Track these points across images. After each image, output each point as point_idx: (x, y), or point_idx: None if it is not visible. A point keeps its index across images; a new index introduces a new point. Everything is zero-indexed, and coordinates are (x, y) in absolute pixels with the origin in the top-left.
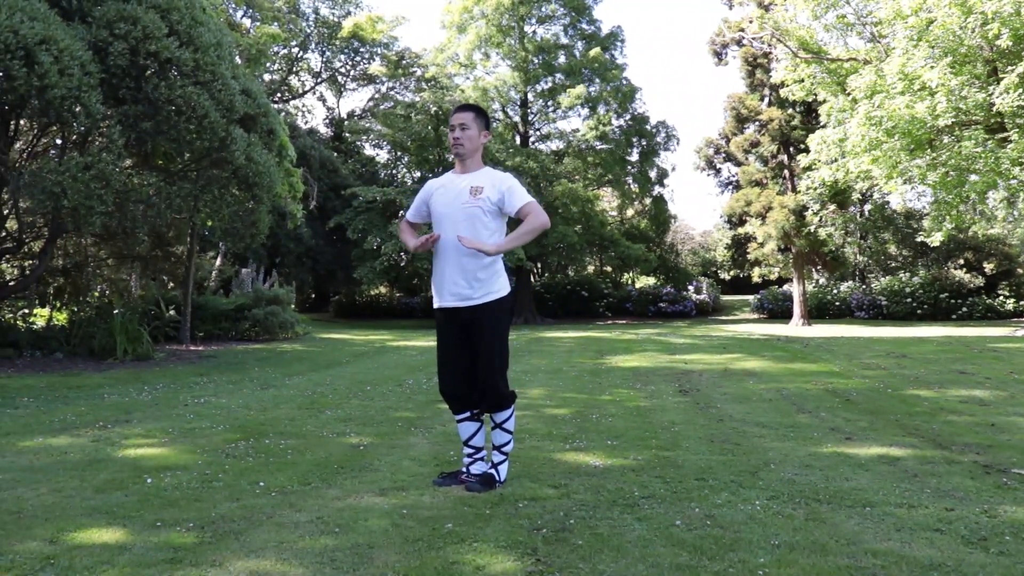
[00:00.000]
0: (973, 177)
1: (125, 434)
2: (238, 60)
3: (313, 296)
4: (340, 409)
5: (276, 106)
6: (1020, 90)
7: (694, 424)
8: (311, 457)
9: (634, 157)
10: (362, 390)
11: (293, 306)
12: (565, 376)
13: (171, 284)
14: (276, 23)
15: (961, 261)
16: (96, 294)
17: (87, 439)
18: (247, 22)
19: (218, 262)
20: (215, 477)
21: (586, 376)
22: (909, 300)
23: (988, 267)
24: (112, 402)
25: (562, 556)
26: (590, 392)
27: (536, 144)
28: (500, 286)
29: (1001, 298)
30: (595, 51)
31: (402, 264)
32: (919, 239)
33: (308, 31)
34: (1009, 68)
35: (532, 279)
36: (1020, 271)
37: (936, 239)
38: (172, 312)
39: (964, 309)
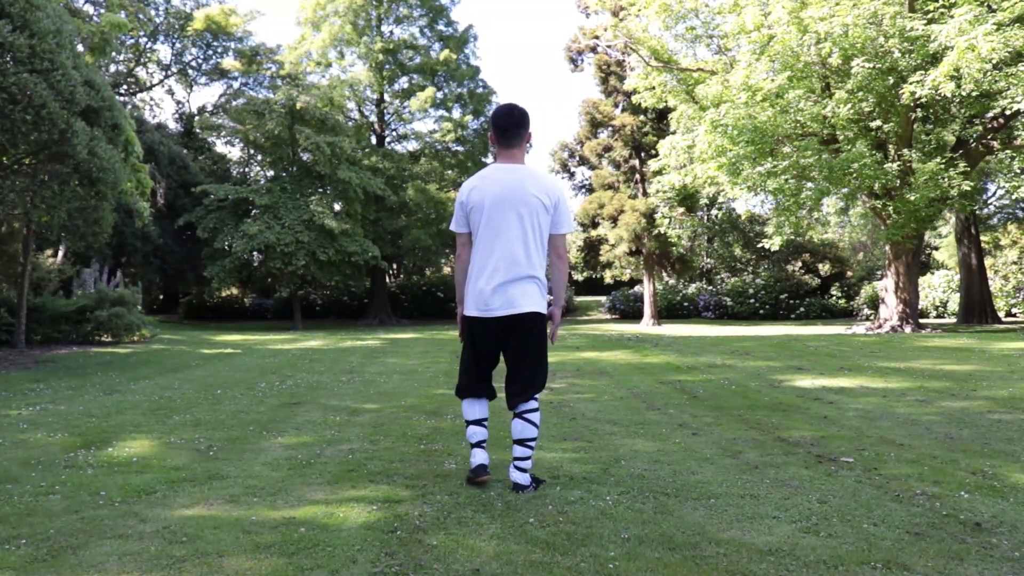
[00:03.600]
0: (809, 185)
1: None
2: (80, 49)
3: (161, 297)
4: (188, 414)
5: (122, 99)
6: (849, 105)
7: (547, 423)
8: (157, 465)
9: (489, 159)
10: (212, 394)
11: (140, 307)
12: (420, 376)
13: (4, 284)
14: (123, 11)
15: (799, 264)
16: None
17: None
18: (90, 8)
19: (58, 261)
20: (51, 489)
21: (441, 377)
22: (752, 301)
23: (823, 269)
24: None
25: (417, 556)
26: (446, 389)
27: (392, 144)
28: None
29: (834, 298)
30: (445, 53)
31: (254, 264)
32: (760, 244)
33: (158, 21)
34: (840, 84)
35: (388, 280)
36: (850, 273)
37: (776, 244)
38: (5, 314)
39: (802, 309)
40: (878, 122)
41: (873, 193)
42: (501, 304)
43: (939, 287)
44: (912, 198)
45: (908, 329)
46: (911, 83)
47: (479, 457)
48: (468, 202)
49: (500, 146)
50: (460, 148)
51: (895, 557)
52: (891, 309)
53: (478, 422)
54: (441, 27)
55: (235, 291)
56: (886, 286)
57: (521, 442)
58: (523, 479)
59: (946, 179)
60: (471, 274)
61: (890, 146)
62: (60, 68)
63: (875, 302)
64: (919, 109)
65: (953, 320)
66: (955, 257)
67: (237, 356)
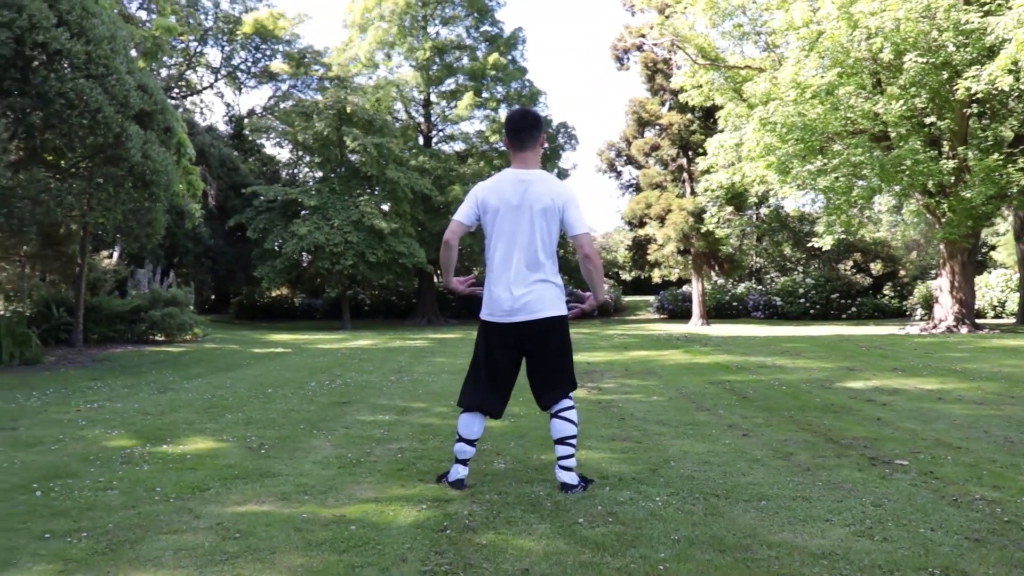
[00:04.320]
0: (860, 183)
1: (11, 442)
2: (133, 53)
3: (213, 297)
4: (240, 412)
5: (173, 102)
6: (901, 101)
7: (596, 423)
8: (210, 462)
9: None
10: (263, 393)
11: (192, 307)
12: None
13: (62, 284)
14: (174, 16)
15: (851, 263)
16: None
17: None
18: (143, 14)
19: (113, 262)
20: (109, 485)
21: None
22: (803, 300)
23: (875, 268)
24: None
25: (467, 555)
26: None
27: (439, 145)
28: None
29: (887, 298)
30: (494, 56)
31: (304, 264)
32: (811, 244)
33: (208, 25)
34: (892, 80)
35: (435, 280)
36: (903, 272)
37: (827, 243)
38: (63, 314)
39: (853, 309)
40: (932, 118)
41: (927, 191)
42: (520, 309)
43: (996, 286)
44: (968, 195)
45: (964, 330)
46: (966, 78)
47: (461, 472)
48: (483, 204)
49: (514, 149)
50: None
51: (954, 564)
52: (946, 309)
53: (471, 442)
54: (487, 27)
55: (285, 291)
56: (941, 285)
57: (562, 440)
58: (571, 478)
59: (1004, 176)
60: (489, 279)
61: (944, 142)
62: (115, 73)
63: (929, 302)
64: (975, 104)
65: (1012, 320)
66: (1014, 256)
67: (287, 355)
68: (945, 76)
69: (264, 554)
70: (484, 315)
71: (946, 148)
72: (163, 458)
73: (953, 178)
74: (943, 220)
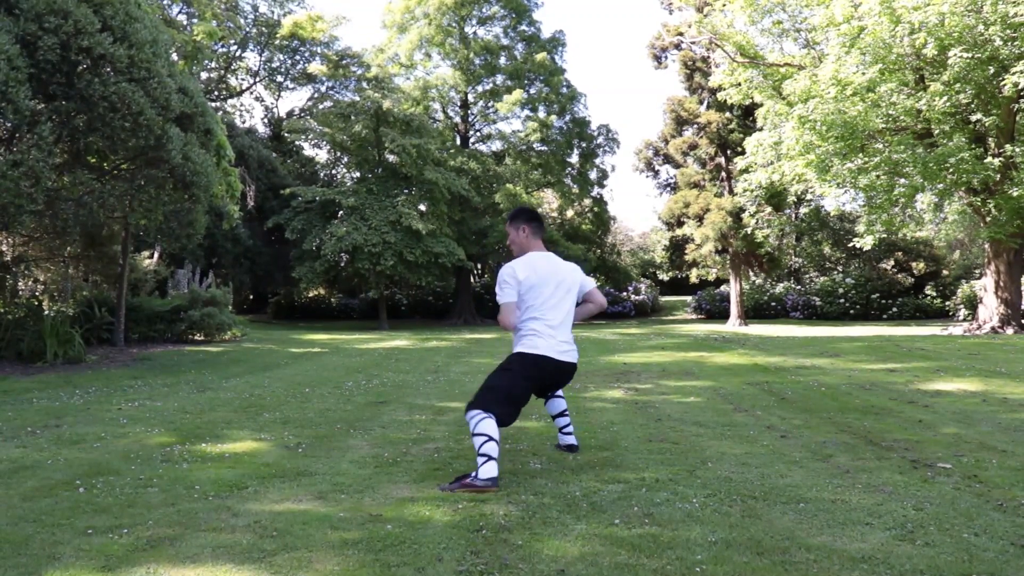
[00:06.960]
0: (902, 181)
1: (55, 439)
2: (174, 57)
3: (251, 297)
4: (278, 412)
5: (213, 105)
6: (945, 97)
7: (633, 423)
8: (249, 461)
9: (574, 159)
10: (300, 392)
11: (230, 307)
12: None
13: (104, 285)
14: (214, 20)
15: (892, 262)
16: (25, 295)
17: (13, 445)
18: (184, 18)
19: (153, 262)
20: (149, 482)
21: None
22: (842, 300)
23: (917, 268)
24: (41, 407)
25: (502, 555)
26: None
27: (477, 145)
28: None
29: (929, 298)
30: (541, 55)
31: (341, 264)
32: (852, 244)
33: (247, 29)
34: (935, 76)
35: (472, 279)
36: (946, 272)
37: (868, 243)
38: (105, 313)
39: (894, 309)
40: (977, 115)
41: (971, 189)
42: (569, 352)
43: None
44: (1015, 193)
45: (1010, 331)
46: (1014, 73)
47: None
48: (524, 281)
49: (535, 237)
50: (544, 148)
51: (999, 570)
52: (990, 309)
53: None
54: (524, 27)
55: (322, 291)
56: (985, 285)
57: (562, 413)
58: (575, 440)
59: None
60: (539, 329)
61: (990, 139)
62: (156, 76)
63: (973, 302)
64: (1023, 100)
65: None
66: None
67: (324, 355)
68: (991, 71)
69: (301, 552)
70: (543, 351)
71: (992, 145)
72: (202, 456)
73: (999, 176)
74: (988, 219)
